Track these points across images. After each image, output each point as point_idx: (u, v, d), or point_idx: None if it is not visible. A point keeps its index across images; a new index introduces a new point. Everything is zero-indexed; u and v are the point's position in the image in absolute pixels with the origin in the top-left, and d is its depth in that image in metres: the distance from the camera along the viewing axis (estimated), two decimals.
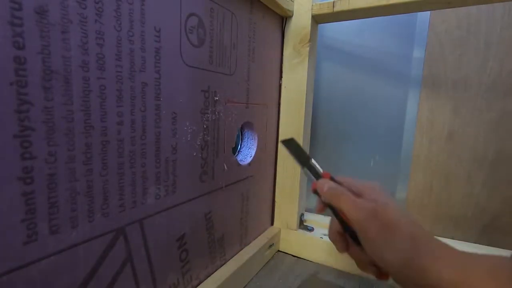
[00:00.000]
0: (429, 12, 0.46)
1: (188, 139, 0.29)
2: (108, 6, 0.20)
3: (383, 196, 0.25)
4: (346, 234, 0.27)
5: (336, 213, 0.27)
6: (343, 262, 0.43)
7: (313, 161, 0.31)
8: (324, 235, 0.46)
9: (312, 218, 0.53)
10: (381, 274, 0.26)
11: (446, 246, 0.22)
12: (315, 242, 0.45)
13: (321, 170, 0.30)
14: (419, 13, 0.47)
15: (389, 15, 0.41)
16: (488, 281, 0.18)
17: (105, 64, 0.20)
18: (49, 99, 0.17)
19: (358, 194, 0.26)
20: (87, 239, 0.20)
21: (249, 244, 0.42)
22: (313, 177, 0.30)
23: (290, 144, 0.33)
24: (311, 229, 0.48)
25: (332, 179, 0.29)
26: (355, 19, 0.44)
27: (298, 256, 0.47)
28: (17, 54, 0.16)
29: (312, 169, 0.31)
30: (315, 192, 0.29)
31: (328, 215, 0.29)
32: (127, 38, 0.22)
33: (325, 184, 0.28)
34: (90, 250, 0.21)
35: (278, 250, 0.48)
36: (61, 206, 0.18)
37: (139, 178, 0.24)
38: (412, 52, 0.48)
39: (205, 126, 0.30)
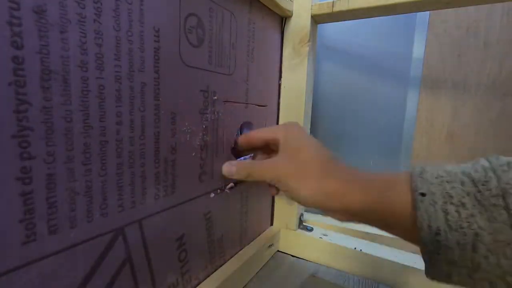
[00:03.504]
0: (428, 12, 0.46)
1: (187, 139, 0.29)
2: (107, 5, 0.20)
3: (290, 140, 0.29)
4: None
5: None
6: (343, 262, 0.43)
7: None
8: (324, 235, 0.46)
9: (312, 218, 0.53)
10: None
11: (348, 170, 0.26)
12: (314, 242, 0.45)
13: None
14: (419, 13, 0.47)
15: (388, 15, 0.41)
16: (359, 195, 0.23)
17: (104, 64, 0.20)
18: (48, 99, 0.17)
19: (270, 147, 0.31)
20: (86, 239, 0.20)
21: (248, 244, 0.42)
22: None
23: None
24: (310, 229, 0.48)
25: (235, 143, 0.32)
26: (354, 19, 0.44)
27: (298, 256, 0.47)
28: (15, 54, 0.16)
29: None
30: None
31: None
32: (126, 38, 0.22)
33: (231, 167, 0.31)
34: (89, 250, 0.21)
35: (278, 250, 0.48)
36: (60, 206, 0.18)
37: (138, 178, 0.24)
38: (411, 52, 0.48)
39: (204, 126, 0.30)
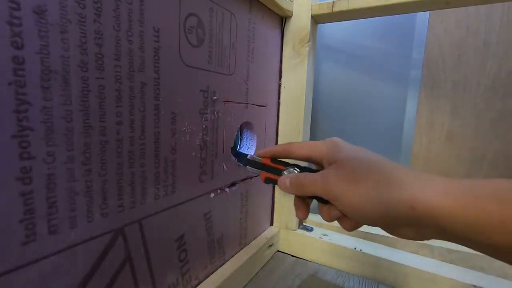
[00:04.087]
0: (428, 12, 0.46)
1: (187, 139, 0.29)
2: (107, 5, 0.20)
3: (335, 152, 0.24)
4: (310, 200, 0.28)
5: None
6: (342, 262, 0.43)
7: (249, 156, 0.31)
8: (324, 235, 0.46)
9: (312, 218, 0.53)
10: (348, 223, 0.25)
11: (428, 174, 0.19)
12: (314, 242, 0.45)
13: (260, 158, 0.30)
14: (418, 14, 0.47)
15: (388, 15, 0.41)
16: (492, 205, 0.16)
17: (104, 64, 0.20)
18: (48, 99, 0.17)
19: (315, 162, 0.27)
20: (86, 239, 0.20)
21: (248, 244, 0.42)
22: (256, 170, 0.30)
23: (237, 154, 0.36)
24: (310, 229, 0.48)
25: (274, 160, 0.29)
26: (354, 19, 0.44)
27: (298, 256, 0.47)
28: (15, 54, 0.16)
29: (252, 164, 0.30)
30: (267, 181, 0.29)
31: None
32: (126, 38, 0.22)
33: (286, 179, 0.27)
34: (89, 250, 0.21)
35: (278, 250, 0.48)
36: (60, 206, 0.18)
37: (138, 178, 0.24)
38: (411, 52, 0.48)
39: (204, 126, 0.30)
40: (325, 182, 0.23)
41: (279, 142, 0.47)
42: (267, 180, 0.29)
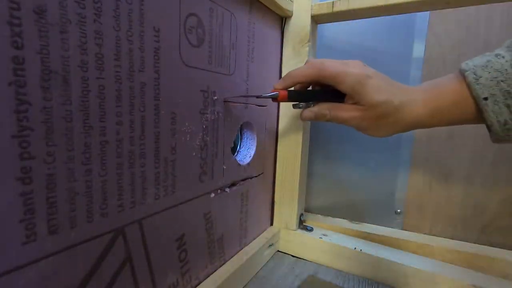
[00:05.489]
0: (428, 12, 0.46)
1: (187, 139, 0.29)
2: (107, 5, 0.20)
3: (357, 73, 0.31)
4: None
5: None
6: (343, 262, 0.43)
7: (266, 94, 0.34)
8: (324, 235, 0.46)
9: (312, 218, 0.53)
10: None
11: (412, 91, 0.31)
12: (314, 242, 0.45)
13: (276, 93, 0.34)
14: (418, 13, 0.47)
15: (388, 15, 0.41)
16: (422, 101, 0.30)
17: (104, 64, 0.20)
18: (48, 99, 0.17)
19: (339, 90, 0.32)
20: (86, 239, 0.20)
21: (248, 244, 0.42)
22: (269, 95, 0.34)
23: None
24: (310, 229, 0.48)
25: (291, 92, 0.34)
26: (354, 19, 0.44)
27: (298, 256, 0.47)
28: (15, 54, 0.16)
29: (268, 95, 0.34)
30: (295, 107, 0.36)
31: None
32: (126, 38, 0.22)
33: (308, 112, 0.34)
34: (89, 250, 0.21)
35: (278, 250, 0.48)
36: (60, 206, 0.18)
37: (138, 178, 0.24)
38: (411, 52, 0.48)
39: (204, 126, 0.30)
40: (354, 123, 0.32)
41: (279, 142, 0.47)
42: (295, 106, 0.36)
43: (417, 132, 0.49)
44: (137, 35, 0.22)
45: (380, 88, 0.30)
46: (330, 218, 0.54)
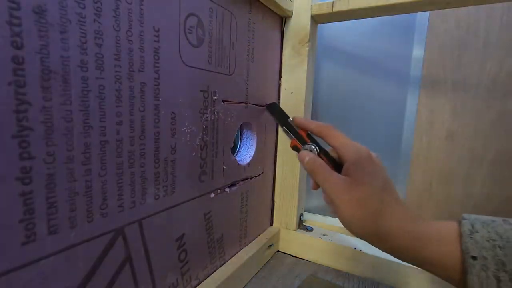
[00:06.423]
0: (428, 12, 0.46)
1: (187, 139, 0.29)
2: (107, 5, 0.20)
3: (360, 173, 0.26)
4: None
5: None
6: (343, 262, 0.43)
7: (290, 120, 0.33)
8: (324, 235, 0.46)
9: (312, 218, 0.53)
10: None
11: (403, 213, 0.25)
12: (314, 242, 0.45)
13: (297, 128, 0.32)
14: (419, 13, 0.47)
15: (388, 15, 0.41)
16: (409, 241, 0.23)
17: (104, 64, 0.20)
18: (48, 99, 0.17)
19: (339, 162, 0.29)
20: (86, 239, 0.20)
21: (248, 244, 0.42)
22: (291, 135, 0.33)
23: (273, 107, 0.39)
24: (310, 229, 0.48)
25: (308, 136, 0.31)
26: (354, 19, 0.44)
27: (298, 256, 0.47)
28: (15, 54, 0.16)
29: (290, 128, 0.33)
30: (294, 148, 0.32)
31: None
32: (126, 38, 0.22)
33: (306, 156, 0.29)
34: (89, 251, 0.21)
35: (278, 250, 0.48)
36: (59, 206, 0.18)
37: (138, 178, 0.24)
38: (411, 52, 0.48)
39: (204, 126, 0.30)
40: (332, 189, 0.26)
41: (278, 142, 0.47)
42: (295, 148, 0.32)
43: (417, 132, 0.49)
44: (137, 35, 0.22)
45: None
46: (330, 218, 0.54)
